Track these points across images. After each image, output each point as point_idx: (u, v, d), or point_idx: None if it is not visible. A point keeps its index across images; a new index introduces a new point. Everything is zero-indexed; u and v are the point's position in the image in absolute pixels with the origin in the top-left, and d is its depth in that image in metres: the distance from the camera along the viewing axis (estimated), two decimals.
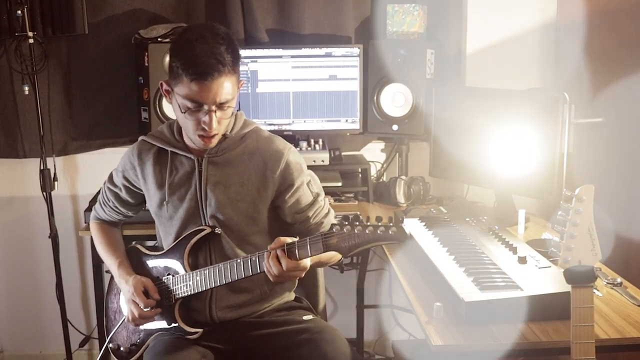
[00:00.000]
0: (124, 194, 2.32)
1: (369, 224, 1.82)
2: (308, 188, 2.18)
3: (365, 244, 1.83)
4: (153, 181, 2.19)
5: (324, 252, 1.88)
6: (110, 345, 2.33)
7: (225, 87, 1.98)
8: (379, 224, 1.81)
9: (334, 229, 1.84)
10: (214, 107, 1.99)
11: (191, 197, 2.15)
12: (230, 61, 1.97)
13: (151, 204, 2.24)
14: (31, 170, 3.30)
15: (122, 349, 2.30)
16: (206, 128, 2.01)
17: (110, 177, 2.35)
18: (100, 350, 2.98)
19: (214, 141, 2.08)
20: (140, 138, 2.26)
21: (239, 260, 2.03)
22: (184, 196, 2.16)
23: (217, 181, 2.12)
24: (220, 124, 2.03)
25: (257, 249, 2.16)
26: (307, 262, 1.95)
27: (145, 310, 2.15)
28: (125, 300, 2.21)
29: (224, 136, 2.12)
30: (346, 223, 1.84)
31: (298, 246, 1.91)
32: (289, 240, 1.94)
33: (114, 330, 2.31)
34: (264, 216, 2.18)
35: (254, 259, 2.00)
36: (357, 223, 1.83)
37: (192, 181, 2.15)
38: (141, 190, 2.27)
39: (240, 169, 2.13)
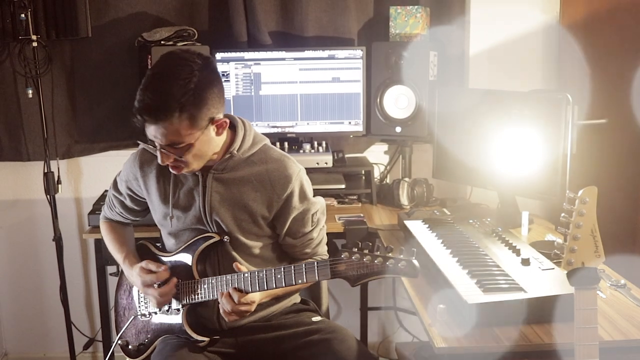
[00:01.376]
0: (128, 202, 2.30)
1: (378, 254, 1.81)
2: (311, 218, 2.17)
3: (373, 275, 1.82)
4: (157, 194, 2.17)
5: (331, 278, 1.89)
6: (120, 341, 2.33)
7: (167, 132, 1.89)
8: (389, 255, 1.79)
9: (342, 256, 1.84)
10: (163, 144, 1.94)
11: (195, 212, 2.13)
12: (173, 108, 1.86)
13: (155, 214, 2.23)
14: (35, 173, 3.31)
15: (130, 346, 2.30)
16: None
17: (115, 184, 2.32)
18: (111, 347, 3.00)
19: (184, 171, 2.03)
20: (141, 146, 2.20)
21: (246, 274, 2.02)
22: (188, 212, 2.14)
23: (222, 199, 2.10)
24: (178, 159, 1.97)
25: (263, 260, 2.18)
26: (254, 297, 2.02)
27: (162, 287, 2.12)
28: (142, 291, 2.20)
29: (231, 154, 2.08)
30: (355, 250, 1.83)
31: (306, 270, 1.93)
32: (244, 269, 2.02)
33: (124, 327, 2.31)
34: (268, 233, 2.18)
35: (261, 275, 2.00)
36: (367, 252, 1.82)
37: (196, 197, 2.12)
38: (145, 199, 2.25)
39: (247, 191, 2.10)
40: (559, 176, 2.45)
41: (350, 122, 3.17)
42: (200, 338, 2.12)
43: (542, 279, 1.97)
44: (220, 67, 3.10)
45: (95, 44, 3.20)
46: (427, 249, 2.28)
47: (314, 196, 2.20)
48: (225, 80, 3.11)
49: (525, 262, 2.09)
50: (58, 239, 3.26)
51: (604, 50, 2.94)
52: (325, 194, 3.02)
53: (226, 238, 2.12)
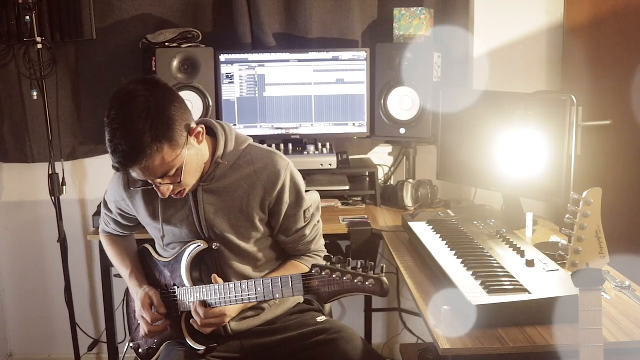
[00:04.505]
0: (121, 220, 2.30)
1: (349, 269, 1.81)
2: (303, 215, 2.16)
3: (344, 292, 1.82)
4: (146, 213, 2.15)
5: (305, 294, 1.89)
6: (132, 344, 2.34)
7: (154, 166, 1.87)
8: (359, 272, 1.80)
9: (313, 271, 1.85)
10: (157, 181, 1.93)
11: (190, 227, 2.12)
12: (149, 142, 1.82)
13: (149, 229, 2.22)
14: (40, 174, 3.31)
15: (141, 350, 2.30)
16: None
17: (105, 203, 2.31)
18: (115, 348, 3.01)
19: (186, 192, 2.02)
20: None
21: (231, 286, 2.03)
22: (181, 227, 2.12)
23: (217, 210, 2.09)
24: (178, 184, 1.96)
25: (266, 261, 2.18)
26: (225, 310, 2.05)
27: (154, 325, 2.15)
28: (136, 314, 2.21)
29: (217, 162, 2.06)
30: (328, 265, 1.83)
31: (282, 284, 1.93)
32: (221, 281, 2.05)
33: (135, 330, 2.31)
34: (268, 233, 2.18)
35: (244, 286, 2.01)
36: (339, 266, 1.82)
37: (189, 211, 2.10)
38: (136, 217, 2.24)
39: (239, 195, 2.08)
40: (563, 177, 2.45)
41: (354, 124, 3.17)
42: (196, 346, 2.12)
43: (547, 281, 1.97)
44: (225, 69, 3.10)
45: (100, 46, 3.21)
46: (432, 251, 2.28)
47: (307, 191, 2.18)
48: (229, 82, 3.11)
49: (530, 263, 2.09)
50: (63, 241, 3.27)
51: (608, 51, 2.94)
52: (329, 195, 3.03)
53: (215, 245, 2.11)
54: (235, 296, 2.02)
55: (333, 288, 1.82)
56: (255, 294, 1.99)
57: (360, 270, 1.80)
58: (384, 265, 1.81)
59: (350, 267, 1.81)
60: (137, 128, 1.82)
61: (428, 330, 1.89)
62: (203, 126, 2.01)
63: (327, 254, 2.06)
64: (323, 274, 1.83)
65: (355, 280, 1.79)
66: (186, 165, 1.93)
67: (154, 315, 2.14)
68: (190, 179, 1.99)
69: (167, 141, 1.86)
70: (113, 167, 1.89)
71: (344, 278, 1.80)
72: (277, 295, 1.96)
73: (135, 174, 1.91)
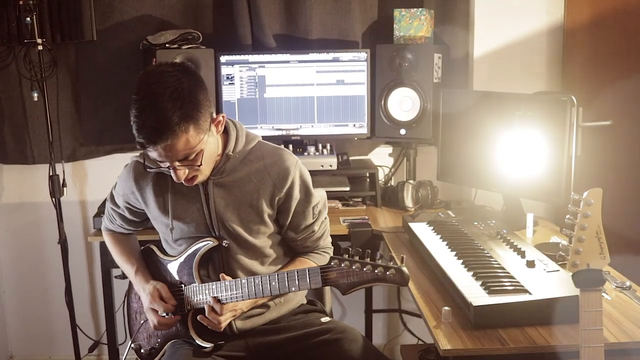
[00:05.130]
0: (128, 215, 2.29)
1: (368, 261, 1.81)
2: (312, 211, 2.17)
3: (364, 283, 1.83)
4: (155, 206, 2.15)
5: (323, 286, 1.90)
6: (132, 345, 2.33)
7: (178, 147, 1.88)
8: (379, 263, 1.80)
9: (332, 263, 1.85)
10: (175, 164, 1.93)
11: (200, 220, 2.12)
12: (177, 121, 1.84)
13: (156, 224, 2.22)
14: (40, 176, 3.31)
15: (142, 350, 2.30)
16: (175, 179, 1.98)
17: (112, 198, 2.31)
18: (116, 349, 3.00)
19: (198, 181, 2.02)
20: (134, 159, 2.19)
21: (243, 281, 2.03)
22: (190, 220, 2.12)
23: (227, 204, 2.09)
24: (192, 169, 1.96)
25: (275, 257, 2.19)
26: (237, 304, 2.05)
27: (165, 316, 2.14)
28: (145, 308, 2.20)
29: (227, 156, 2.08)
30: (345, 257, 1.83)
31: (298, 277, 1.93)
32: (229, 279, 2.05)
33: (137, 331, 2.31)
34: (276, 230, 2.18)
35: (257, 281, 2.02)
36: (357, 258, 1.82)
37: (198, 204, 2.11)
38: (145, 211, 2.24)
39: (250, 190, 2.09)
40: (563, 178, 2.45)
41: (354, 125, 3.17)
42: (204, 344, 2.12)
43: (547, 281, 1.97)
44: (225, 70, 3.10)
45: (100, 47, 3.21)
46: (432, 251, 2.28)
47: (314, 188, 2.19)
48: (229, 83, 3.11)
49: (530, 264, 2.09)
50: (63, 242, 3.27)
51: (608, 51, 2.94)
52: (329, 196, 3.01)
53: (225, 243, 2.11)
54: (248, 292, 2.02)
55: (352, 279, 1.83)
56: (270, 289, 2.00)
57: (380, 260, 1.81)
58: (404, 256, 1.81)
59: (369, 258, 1.82)
60: (167, 106, 1.84)
61: (428, 331, 1.89)
62: (224, 114, 2.03)
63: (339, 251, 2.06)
64: (342, 265, 1.83)
65: (376, 271, 1.79)
66: (205, 152, 1.96)
67: (165, 306, 2.13)
68: (206, 167, 2.00)
69: (194, 123, 1.89)
70: (137, 142, 1.89)
71: (364, 269, 1.81)
72: (293, 289, 1.96)
73: (156, 153, 1.91)
